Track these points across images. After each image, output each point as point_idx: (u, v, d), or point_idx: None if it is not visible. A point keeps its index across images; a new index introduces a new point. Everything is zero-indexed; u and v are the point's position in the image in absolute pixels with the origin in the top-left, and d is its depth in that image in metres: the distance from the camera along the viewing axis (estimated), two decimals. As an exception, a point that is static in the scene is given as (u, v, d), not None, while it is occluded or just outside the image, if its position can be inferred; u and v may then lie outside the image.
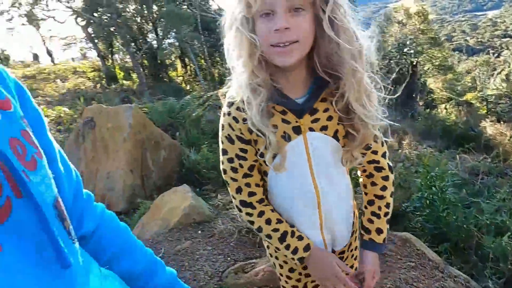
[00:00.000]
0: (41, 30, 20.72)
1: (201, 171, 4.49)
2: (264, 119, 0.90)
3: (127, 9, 13.88)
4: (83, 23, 14.81)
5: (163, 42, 14.39)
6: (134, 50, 14.24)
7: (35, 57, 26.13)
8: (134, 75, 14.46)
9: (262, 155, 0.98)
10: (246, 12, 0.85)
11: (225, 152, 1.00)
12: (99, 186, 4.00)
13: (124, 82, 14.82)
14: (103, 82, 14.32)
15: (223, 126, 0.99)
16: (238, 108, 0.95)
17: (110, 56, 16.68)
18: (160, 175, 4.31)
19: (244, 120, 0.93)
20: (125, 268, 0.64)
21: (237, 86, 0.93)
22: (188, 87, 14.78)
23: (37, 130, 0.50)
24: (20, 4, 12.68)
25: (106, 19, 13.51)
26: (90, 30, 15.00)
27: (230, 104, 0.97)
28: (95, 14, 14.07)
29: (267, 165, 0.99)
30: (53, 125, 7.52)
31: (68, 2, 14.27)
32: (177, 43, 14.53)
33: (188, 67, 16.58)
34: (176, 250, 2.75)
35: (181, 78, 16.40)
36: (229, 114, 0.97)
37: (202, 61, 15.47)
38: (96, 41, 15.65)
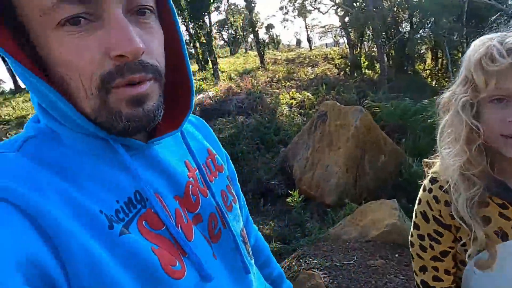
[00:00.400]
0: (306, 19, 23.75)
1: (419, 185, 4.13)
2: (474, 209, 0.80)
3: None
4: (342, 13, 15.99)
5: (416, 33, 13.41)
6: (383, 40, 14.12)
7: (298, 42, 30.78)
8: (378, 65, 14.42)
9: (464, 244, 0.87)
10: (471, 96, 0.75)
11: (416, 226, 0.95)
12: (317, 174, 4.48)
13: (367, 71, 15.10)
14: (347, 70, 15.13)
15: (420, 200, 0.93)
16: (441, 188, 0.87)
17: (359, 45, 17.26)
18: (374, 179, 4.31)
19: (447, 203, 0.85)
20: (266, 273, 0.83)
21: (444, 168, 0.85)
22: (434, 83, 13.32)
23: (233, 181, 0.75)
24: (295, 0, 15.12)
25: (363, 9, 13.95)
26: (346, 19, 16.01)
27: (433, 181, 0.90)
28: (354, 4, 14.79)
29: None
30: (296, 108, 8.79)
31: (332, -5, 15.76)
32: (431, 34, 13.17)
33: (440, 60, 14.81)
34: (367, 264, 2.77)
35: (428, 72, 14.94)
36: (430, 191, 0.90)
37: (459, 54, 13.39)
38: (349, 30, 16.53)
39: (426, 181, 0.94)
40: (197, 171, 0.60)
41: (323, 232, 3.62)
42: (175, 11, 0.53)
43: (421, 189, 0.95)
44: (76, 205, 0.41)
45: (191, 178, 0.58)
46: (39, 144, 0.44)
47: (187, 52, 0.56)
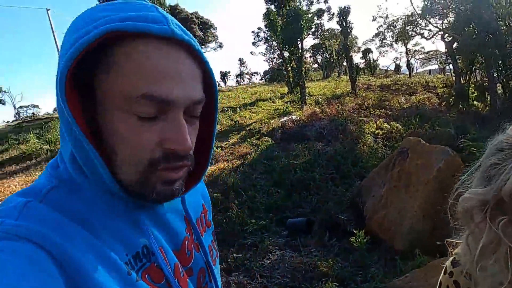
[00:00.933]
0: (408, 44, 22.35)
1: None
2: None
3: (503, 25, 12.07)
4: (449, 39, 14.61)
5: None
6: (499, 69, 12.37)
7: (397, 68, 28.97)
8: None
9: None
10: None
11: None
12: (389, 215, 4.11)
13: (475, 103, 13.37)
14: (451, 100, 13.62)
15: (440, 284, 0.83)
16: (463, 273, 0.76)
17: (468, 73, 15.46)
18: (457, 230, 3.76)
19: None
20: None
21: (467, 260, 0.73)
22: None
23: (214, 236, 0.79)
24: (394, 26, 14.39)
25: (474, 35, 12.52)
26: (455, 45, 14.56)
27: (456, 263, 0.79)
28: (465, 29, 13.37)
29: None
30: (382, 139, 8.25)
31: (439, 20, 14.54)
32: None
33: None
34: (429, 331, 2.42)
35: None
36: (450, 274, 0.80)
37: None
38: (457, 57, 14.97)
39: (447, 263, 0.84)
40: (192, 228, 0.66)
41: (386, 281, 3.29)
42: (218, 114, 0.62)
43: (442, 272, 0.85)
44: (99, 253, 0.45)
45: (188, 234, 0.63)
46: (61, 195, 0.49)
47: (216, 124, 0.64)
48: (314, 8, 22.03)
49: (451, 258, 0.83)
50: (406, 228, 3.79)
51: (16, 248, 0.39)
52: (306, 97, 13.97)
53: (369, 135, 8.45)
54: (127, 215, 0.52)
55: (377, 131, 8.85)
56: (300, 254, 4.29)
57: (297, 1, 17.57)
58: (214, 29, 29.21)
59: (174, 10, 23.77)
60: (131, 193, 0.51)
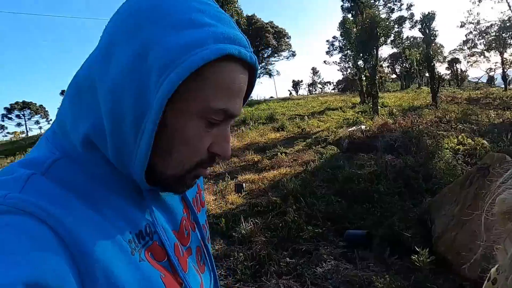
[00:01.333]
0: (504, 54, 19.81)
1: None
2: None
3: None
4: (558, 47, 12.61)
5: None
6: None
7: (490, 80, 25.80)
8: None
9: None
10: None
11: None
12: (460, 237, 3.69)
13: None
14: (557, 117, 11.68)
15: None
16: (507, 279, 0.71)
17: None
18: (548, 264, 3.21)
19: None
20: None
21: (505, 265, 0.68)
22: None
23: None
24: (487, 33, 12.89)
25: None
26: None
27: (500, 270, 0.75)
28: None
29: None
30: (463, 156, 7.43)
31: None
32: None
33: None
34: None
35: None
36: (494, 281, 0.77)
37: None
38: None
39: (493, 269, 0.79)
40: (189, 207, 0.70)
41: (451, 309, 2.96)
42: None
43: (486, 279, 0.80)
44: (104, 231, 0.45)
45: (185, 214, 0.65)
46: (65, 169, 0.48)
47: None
48: (394, 15, 20.97)
49: (496, 265, 0.77)
50: (479, 254, 3.35)
51: (19, 223, 0.38)
52: (379, 107, 13.28)
53: (447, 150, 7.68)
54: (131, 194, 0.52)
55: (457, 147, 8.00)
56: (356, 267, 4.09)
57: (376, 9, 16.92)
58: (288, 38, 29.58)
59: (251, 20, 24.73)
60: (160, 184, 0.52)
